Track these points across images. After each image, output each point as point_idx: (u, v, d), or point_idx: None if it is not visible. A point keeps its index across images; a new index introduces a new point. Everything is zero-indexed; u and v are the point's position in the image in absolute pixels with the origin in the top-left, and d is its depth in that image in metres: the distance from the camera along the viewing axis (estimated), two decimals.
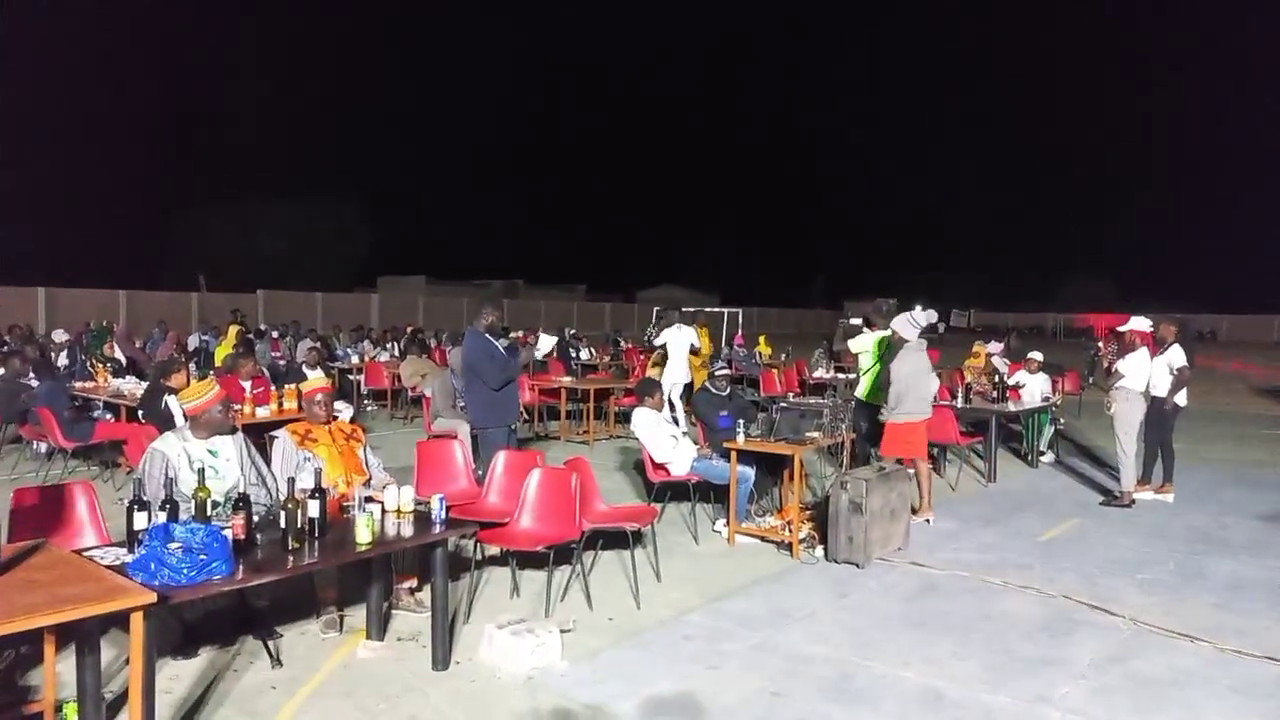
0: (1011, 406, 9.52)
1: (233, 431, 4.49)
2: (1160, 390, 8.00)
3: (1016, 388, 10.05)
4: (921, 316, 7.51)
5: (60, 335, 12.79)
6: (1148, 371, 7.91)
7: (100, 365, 9.70)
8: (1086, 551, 6.39)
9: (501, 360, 6.94)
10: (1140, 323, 8.04)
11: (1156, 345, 8.11)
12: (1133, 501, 7.77)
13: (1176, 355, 8.07)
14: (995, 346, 13.39)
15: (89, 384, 9.40)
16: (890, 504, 6.09)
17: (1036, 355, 10.88)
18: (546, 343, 9.50)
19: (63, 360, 11.17)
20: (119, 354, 11.09)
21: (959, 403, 9.36)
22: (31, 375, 8.99)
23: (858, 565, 5.80)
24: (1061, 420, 10.87)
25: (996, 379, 10.26)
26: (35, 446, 8.80)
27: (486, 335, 7.00)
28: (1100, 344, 8.71)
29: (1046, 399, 10.12)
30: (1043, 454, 10.07)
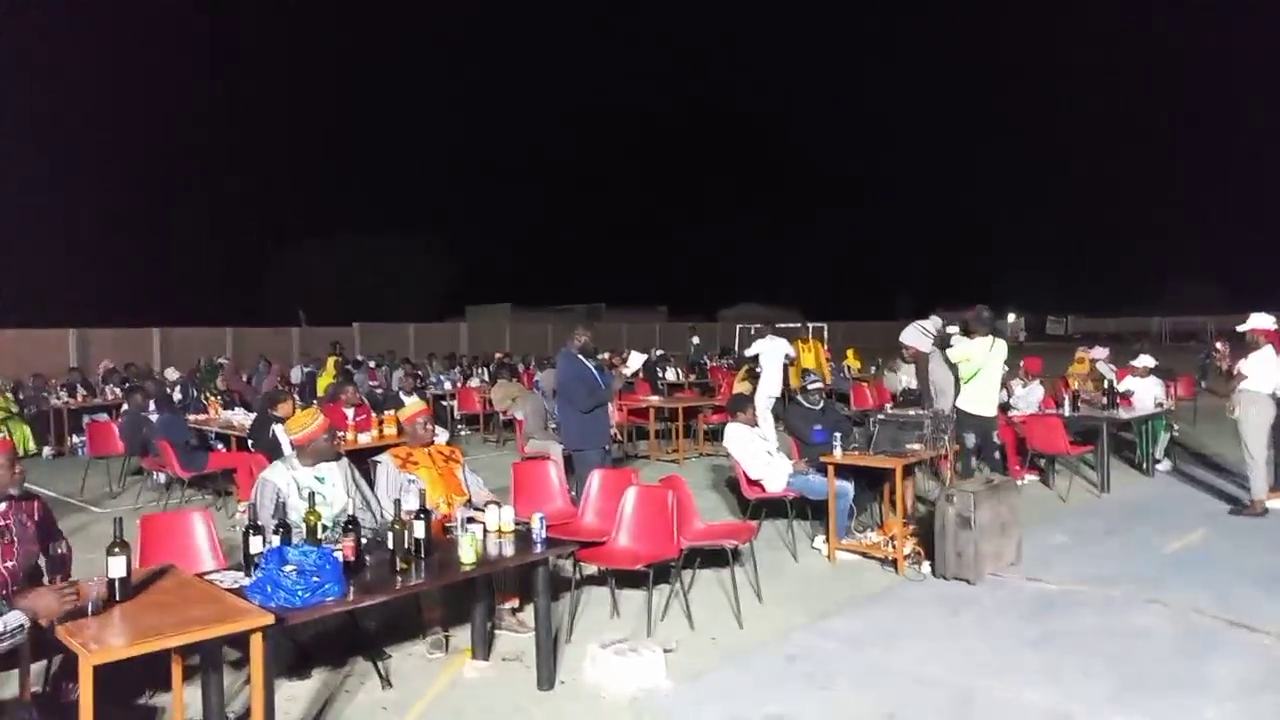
0: (1123, 414, 9.05)
1: (337, 458, 4.60)
2: None
3: (1127, 394, 9.57)
4: (931, 324, 7.35)
5: (172, 373, 13.49)
6: (1273, 371, 7.41)
7: (213, 398, 10.18)
8: (1218, 564, 5.98)
9: (593, 382, 6.97)
10: (1263, 320, 7.53)
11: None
12: (1265, 510, 7.26)
13: None
14: (1100, 352, 12.82)
15: (202, 417, 9.86)
16: (1000, 517, 5.83)
17: (1146, 360, 10.35)
18: (636, 360, 9.52)
19: (176, 396, 11.75)
20: (226, 386, 11.62)
21: (1066, 411, 8.96)
22: (152, 409, 9.47)
23: (969, 581, 5.56)
24: (1176, 427, 10.27)
25: (1105, 385, 9.79)
26: (155, 477, 9.26)
27: (580, 357, 7.05)
28: (1218, 346, 8.19)
29: (1160, 404, 9.59)
30: (1159, 462, 9.52)
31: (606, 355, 18.76)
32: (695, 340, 23.79)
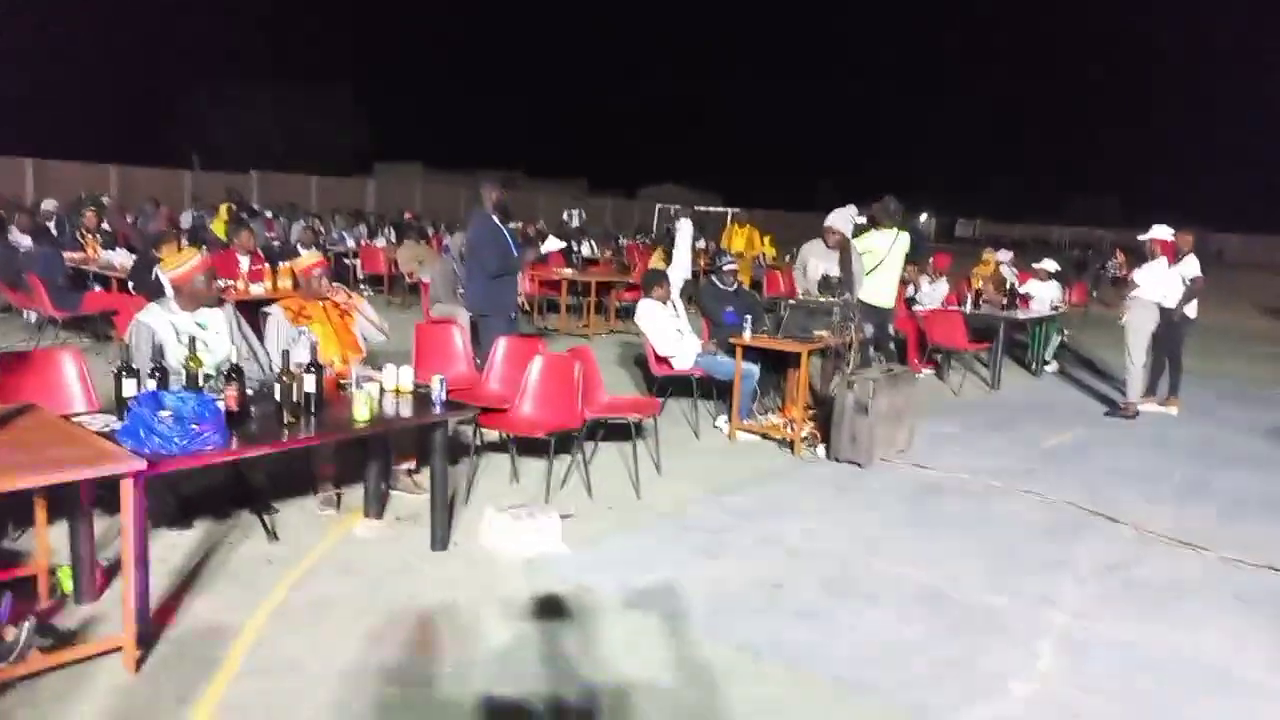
0: (1020, 314, 9.37)
1: (220, 303, 4.32)
2: (1172, 302, 7.83)
3: (1026, 296, 9.89)
4: (851, 211, 7.30)
5: (50, 204, 12.43)
6: (1163, 282, 7.73)
7: (90, 236, 9.44)
8: (1089, 460, 6.35)
9: (505, 246, 6.65)
10: (1162, 231, 7.80)
11: (1174, 256, 7.89)
12: (1137, 413, 7.72)
13: (1190, 265, 7.86)
14: (1005, 255, 13.16)
15: (79, 255, 9.16)
16: (896, 406, 6.00)
17: (1049, 264, 10.69)
18: (553, 244, 9.27)
19: (51, 231, 10.86)
20: (108, 226, 10.79)
21: (967, 309, 9.21)
22: (25, 241, 8.74)
23: (860, 465, 5.75)
24: (1067, 331, 10.75)
25: (1007, 286, 10.09)
26: (26, 316, 8.64)
27: (493, 217, 6.67)
28: (1118, 255, 8.49)
29: (1055, 308, 9.98)
30: (1047, 364, 9.99)
31: (520, 224, 18.25)
32: (566, 214, 20.34)
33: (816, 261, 7.12)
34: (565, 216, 17.74)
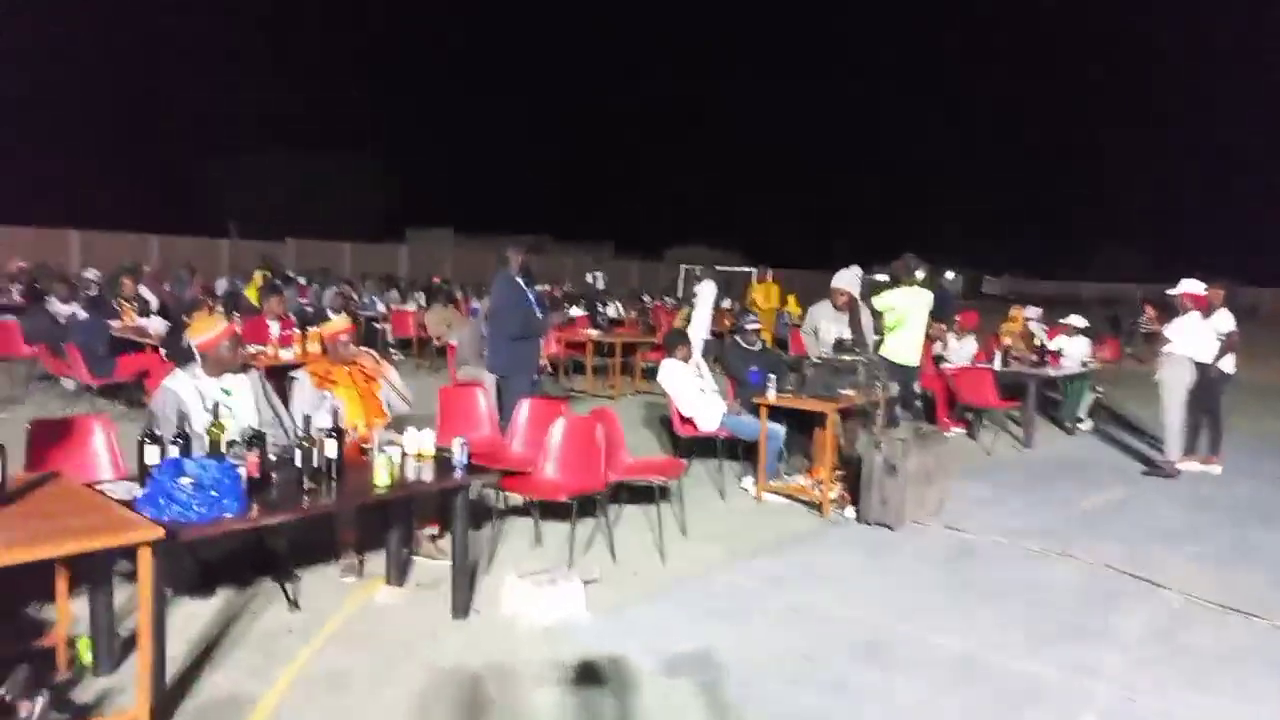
0: (1051, 371, 9.22)
1: (245, 369, 4.36)
2: (1207, 357, 7.66)
3: (1056, 353, 9.74)
4: (855, 272, 7.33)
5: (91, 273, 12.79)
6: (1196, 336, 7.58)
7: (126, 304, 9.66)
8: (1129, 522, 6.15)
9: (528, 309, 6.70)
10: (1192, 285, 7.67)
11: (1206, 310, 7.75)
12: (1177, 472, 7.50)
13: (1224, 320, 7.72)
14: (1033, 311, 13.03)
15: (115, 323, 9.35)
16: (926, 466, 5.87)
17: (1077, 320, 10.54)
18: (576, 311, 9.33)
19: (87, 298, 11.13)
20: (146, 293, 11.04)
21: (996, 365, 9.08)
22: (63, 309, 8.95)
23: (890, 527, 5.62)
24: (1100, 388, 10.55)
25: (1037, 343, 9.96)
26: (64, 383, 8.80)
27: (518, 280, 6.73)
28: (1148, 311, 8.37)
29: (1086, 364, 9.81)
30: (1081, 421, 9.78)
31: (547, 287, 18.44)
32: (589, 277, 19.85)
33: (828, 324, 7.11)
34: (589, 278, 17.93)
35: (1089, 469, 7.80)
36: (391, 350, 13.34)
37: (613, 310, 15.67)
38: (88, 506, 3.00)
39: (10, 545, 2.57)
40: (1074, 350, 9.84)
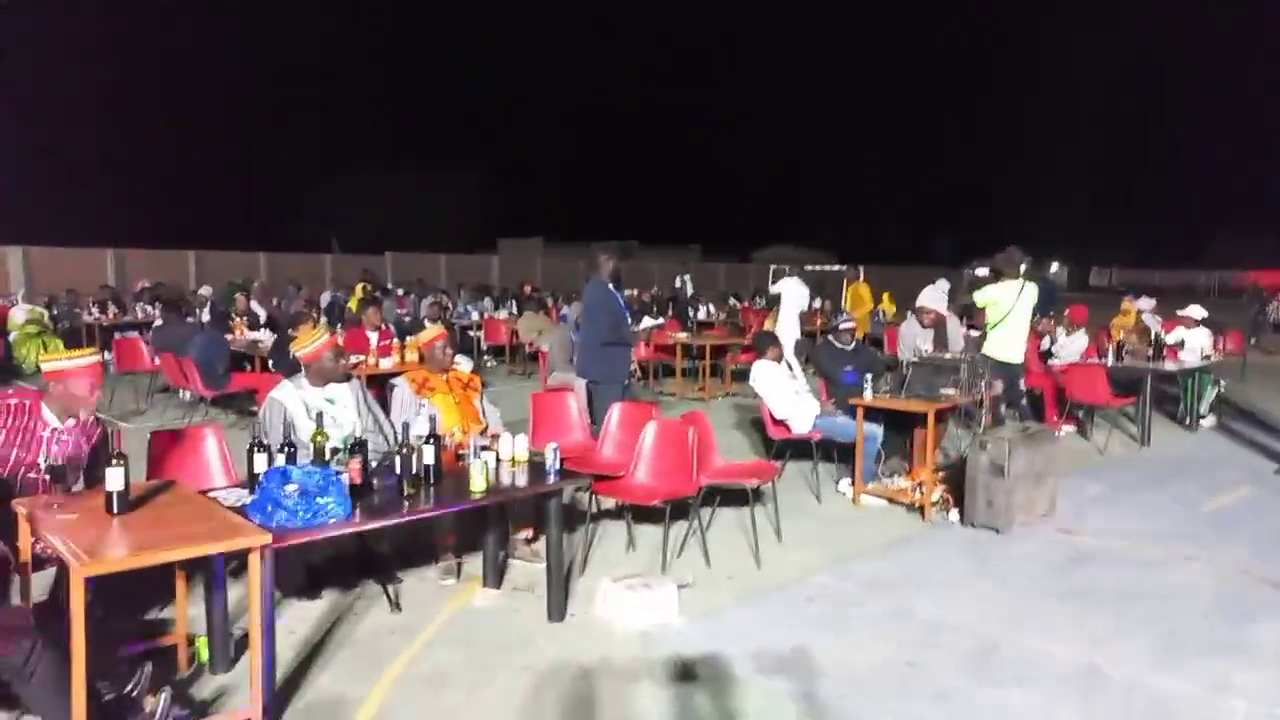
0: (1168, 365, 8.70)
1: (347, 379, 4.49)
2: None
3: (1175, 346, 9.19)
4: (942, 286, 7.43)
5: (206, 290, 13.52)
6: None
7: (237, 319, 10.15)
8: (1261, 524, 5.73)
9: (618, 314, 6.70)
10: None
11: None
12: None
13: None
14: (1146, 303, 12.38)
15: (227, 337, 9.84)
16: (1035, 466, 5.60)
17: (1197, 310, 9.93)
18: (648, 322, 9.37)
19: (205, 315, 11.77)
20: (257, 308, 11.58)
21: (1109, 361, 8.62)
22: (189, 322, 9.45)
23: (998, 530, 5.38)
24: (1223, 382, 9.89)
25: (1151, 336, 9.43)
26: (182, 394, 9.31)
27: (609, 285, 6.75)
28: (1277, 299, 7.82)
29: (1207, 358, 9.21)
30: (1203, 417, 9.19)
31: (634, 292, 18.53)
32: (678, 281, 19.89)
33: (917, 344, 6.91)
34: (678, 283, 17.94)
35: (1214, 468, 7.31)
36: (485, 357, 13.63)
37: (702, 313, 15.60)
38: (201, 513, 3.14)
39: (133, 550, 2.70)
40: (1194, 342, 9.28)
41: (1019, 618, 4.17)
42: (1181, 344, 9.29)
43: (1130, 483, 6.78)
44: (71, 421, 3.56)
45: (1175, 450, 8.03)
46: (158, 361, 9.17)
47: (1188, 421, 9.05)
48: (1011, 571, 4.83)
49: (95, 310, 13.22)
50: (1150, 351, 8.86)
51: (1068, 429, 8.51)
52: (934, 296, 7.31)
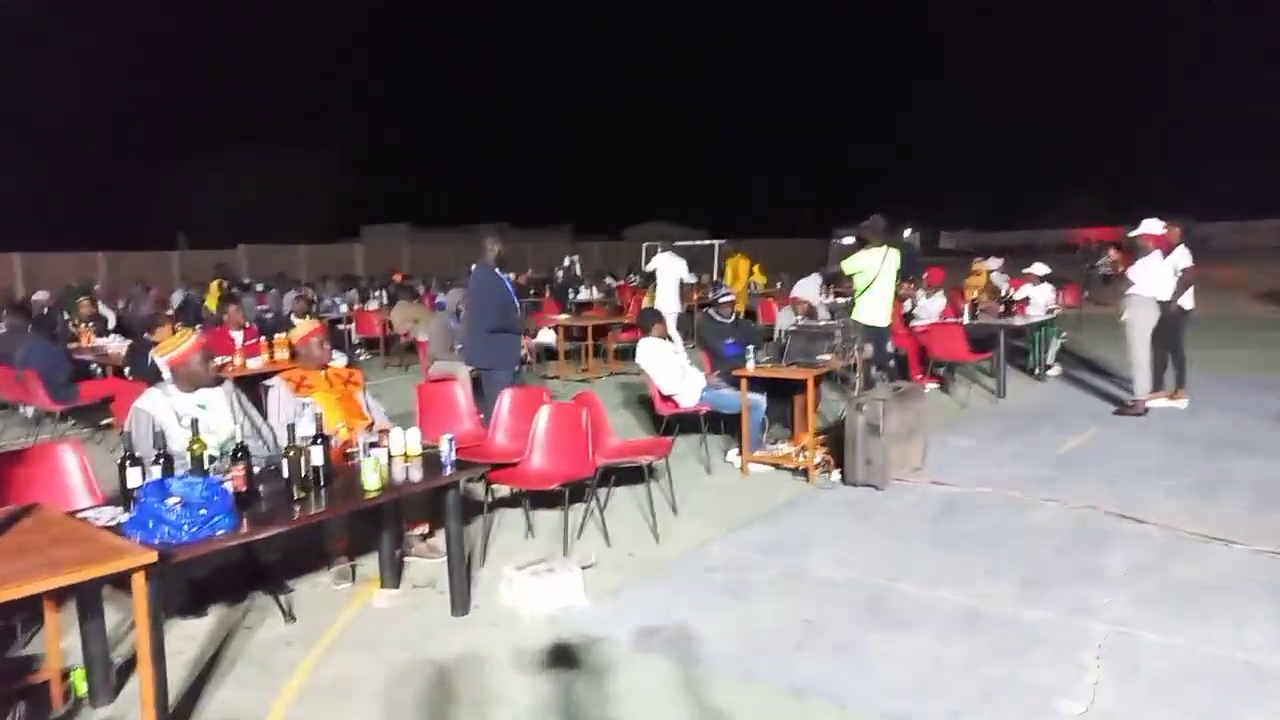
0: (1018, 320, 9.35)
1: (218, 383, 4.26)
2: (1167, 295, 7.81)
3: (1023, 301, 9.88)
4: (816, 279, 7.80)
5: (41, 295, 12.44)
6: (1159, 276, 7.72)
7: (83, 326, 9.41)
8: (1107, 461, 6.28)
9: (505, 299, 6.59)
10: (1152, 225, 7.81)
11: (1167, 250, 7.89)
12: (1146, 410, 7.66)
13: (1182, 256, 7.88)
14: (994, 263, 13.21)
15: (72, 345, 9.11)
16: (907, 424, 5.94)
17: (1040, 267, 10.71)
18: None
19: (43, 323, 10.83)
20: (105, 312, 10.76)
21: (965, 319, 9.19)
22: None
23: (877, 487, 5.67)
24: (1064, 333, 10.73)
25: (1002, 294, 10.10)
26: (22, 411, 8.57)
27: (495, 270, 6.62)
28: (1110, 253, 8.53)
29: (1051, 311, 9.96)
30: (1049, 368, 9.95)
31: (514, 275, 18.29)
32: (567, 261, 19.66)
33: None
34: (567, 263, 17.83)
35: (1062, 414, 7.94)
36: (358, 351, 13.18)
37: (583, 294, 15.59)
38: (74, 536, 2.92)
39: (3, 581, 2.49)
40: (1039, 298, 9.99)
41: (903, 568, 4.43)
42: (1027, 300, 10.00)
43: (991, 432, 7.28)
44: None
45: (1028, 400, 8.67)
46: None
47: (1036, 372, 9.78)
48: (892, 525, 5.12)
49: None
50: (1001, 309, 9.49)
51: (931, 386, 9.04)
52: (807, 288, 7.66)
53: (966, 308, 9.56)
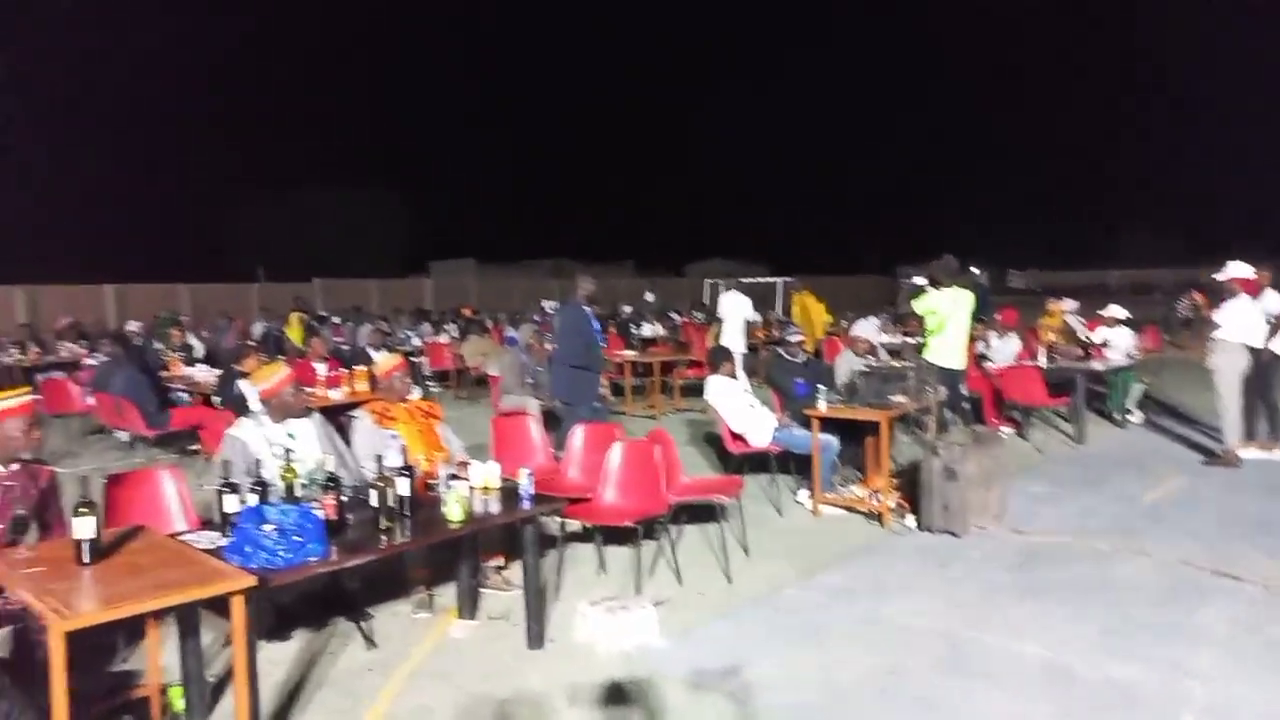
0: (1096, 365, 9.11)
1: (307, 413, 4.41)
2: (1258, 341, 7.52)
3: (1101, 345, 9.63)
4: (875, 321, 7.73)
5: (133, 325, 13.03)
6: (1247, 320, 7.44)
7: (173, 355, 9.82)
8: (1197, 514, 6.04)
9: (590, 338, 6.78)
10: (1240, 269, 7.55)
11: (1256, 293, 7.63)
12: (1239, 461, 7.36)
13: (1273, 301, 7.60)
14: (1070, 304, 12.90)
15: (163, 373, 9.50)
16: (985, 469, 5.80)
17: (1117, 310, 10.42)
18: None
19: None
20: (193, 342, 11.22)
21: (1042, 362, 8.98)
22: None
23: (954, 534, 5.55)
24: (1145, 378, 10.39)
25: (1079, 337, 9.86)
26: (119, 435, 8.94)
27: (585, 309, 6.82)
28: (1195, 297, 8.27)
29: (1131, 356, 9.68)
30: (1130, 413, 9.63)
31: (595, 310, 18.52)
32: (649, 296, 20.16)
33: (855, 369, 7.13)
34: (647, 298, 18.02)
35: (1146, 462, 7.67)
36: (429, 383, 13.45)
37: (646, 329, 15.68)
38: (178, 558, 3.05)
39: (113, 601, 2.61)
40: (1118, 341, 9.72)
41: (984, 618, 4.32)
42: (1106, 343, 9.73)
43: (1072, 480, 7.07)
44: (15, 467, 3.43)
45: (1109, 446, 8.40)
46: (90, 401, 8.80)
47: (1117, 418, 9.48)
48: (972, 573, 5.00)
49: (15, 350, 12.62)
50: (1079, 352, 9.26)
51: (1006, 430, 8.83)
52: (867, 328, 7.64)
53: (1042, 350, 9.35)
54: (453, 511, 3.68)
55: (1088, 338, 9.80)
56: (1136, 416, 9.67)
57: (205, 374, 8.94)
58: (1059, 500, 6.47)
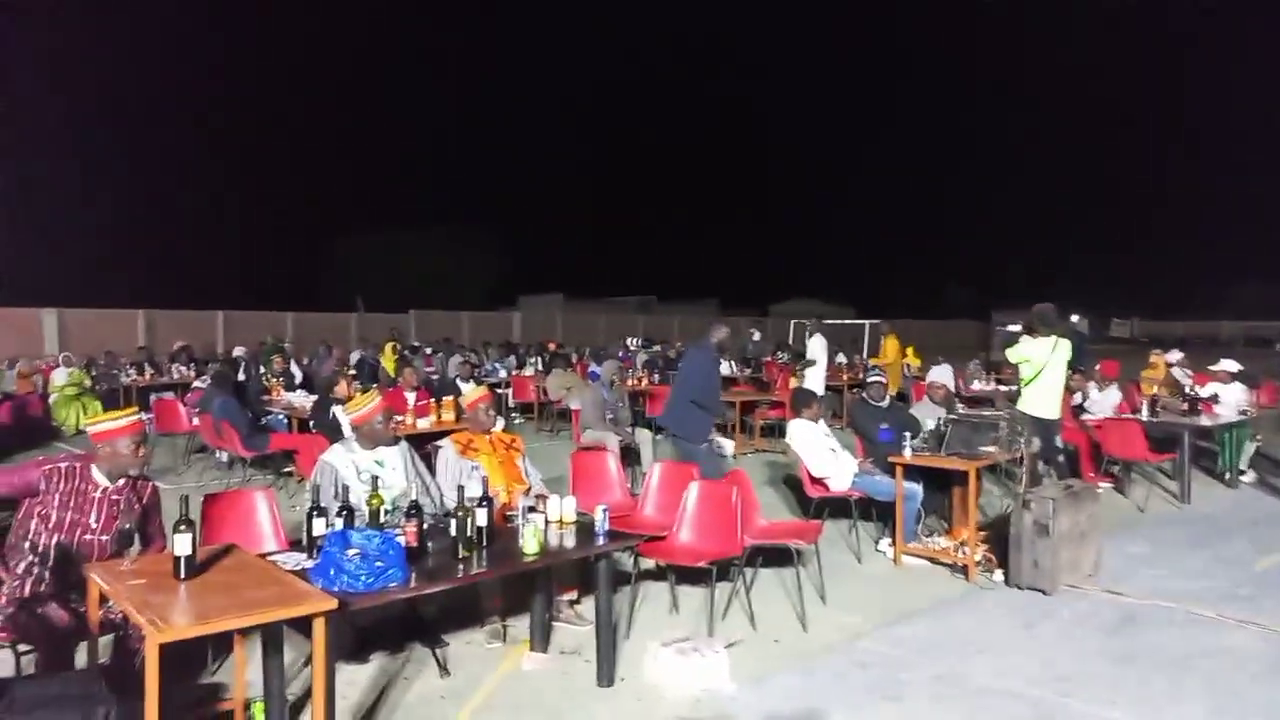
0: (1205, 420, 8.63)
1: (395, 441, 4.55)
2: None
3: (1210, 400, 9.12)
4: (947, 369, 7.77)
5: (239, 350, 13.74)
6: None
7: (274, 380, 10.30)
8: None
9: (714, 386, 6.95)
10: None
11: None
12: None
13: None
14: (1175, 355, 12.31)
15: (264, 397, 9.98)
16: (1079, 525, 5.55)
17: (1230, 364, 9.86)
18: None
19: (240, 376, 11.93)
20: (294, 369, 11.73)
21: (1144, 416, 8.57)
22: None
23: (1045, 592, 5.31)
24: (1259, 436, 9.77)
25: (1184, 390, 9.37)
26: (218, 455, 9.40)
27: (715, 354, 6.99)
28: None
29: (1244, 412, 9.13)
30: (1243, 473, 9.07)
31: (658, 348, 18.63)
32: (756, 336, 21.47)
33: (930, 422, 6.92)
34: (757, 337, 18.05)
35: (1260, 525, 7.20)
36: (513, 415, 13.69)
37: (726, 368, 15.63)
38: (265, 578, 3.18)
39: (205, 616, 2.74)
40: (1229, 397, 9.19)
41: (1074, 682, 4.11)
42: (1215, 398, 9.22)
43: (1175, 541, 6.68)
44: (122, 482, 3.65)
45: (1217, 507, 7.92)
46: (195, 422, 9.29)
47: (1227, 477, 8.93)
48: (1062, 634, 4.77)
49: (132, 371, 13.45)
50: (1185, 406, 8.80)
51: (1104, 485, 8.42)
52: (943, 374, 7.50)
53: (1145, 403, 8.91)
54: (529, 544, 3.73)
55: (1194, 391, 9.30)
56: (1249, 476, 9.10)
57: (303, 399, 9.32)
58: (1160, 562, 6.12)
